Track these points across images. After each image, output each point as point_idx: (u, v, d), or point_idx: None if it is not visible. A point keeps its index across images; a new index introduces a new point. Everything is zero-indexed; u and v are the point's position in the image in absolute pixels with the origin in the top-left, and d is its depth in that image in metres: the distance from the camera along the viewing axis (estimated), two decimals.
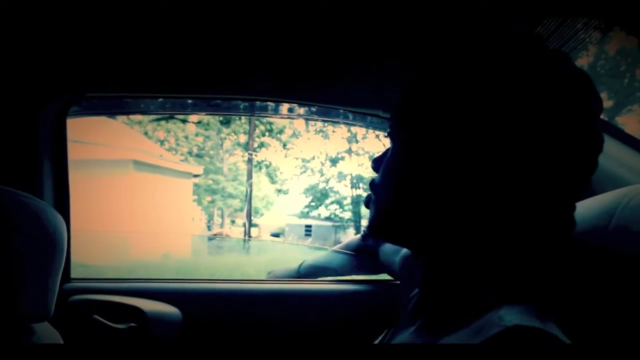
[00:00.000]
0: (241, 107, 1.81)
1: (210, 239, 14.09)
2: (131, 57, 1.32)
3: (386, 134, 0.81)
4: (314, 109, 1.78)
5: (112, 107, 1.79)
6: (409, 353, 0.63)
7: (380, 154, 0.78)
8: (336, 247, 1.73)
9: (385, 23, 1.10)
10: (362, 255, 1.61)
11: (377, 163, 0.77)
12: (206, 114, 1.98)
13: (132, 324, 1.49)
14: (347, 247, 1.66)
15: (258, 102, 1.73)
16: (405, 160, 0.69)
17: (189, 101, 1.73)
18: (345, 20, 1.09)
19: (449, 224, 0.65)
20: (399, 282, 1.65)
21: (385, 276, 1.66)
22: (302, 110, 1.78)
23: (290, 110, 1.79)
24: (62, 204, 1.59)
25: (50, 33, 1.18)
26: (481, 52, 0.64)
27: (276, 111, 1.83)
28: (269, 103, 1.73)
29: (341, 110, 1.68)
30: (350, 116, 1.71)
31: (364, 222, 19.24)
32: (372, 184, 0.77)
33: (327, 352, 0.62)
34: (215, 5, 1.05)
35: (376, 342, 0.87)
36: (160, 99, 1.71)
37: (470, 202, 0.63)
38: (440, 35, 1.11)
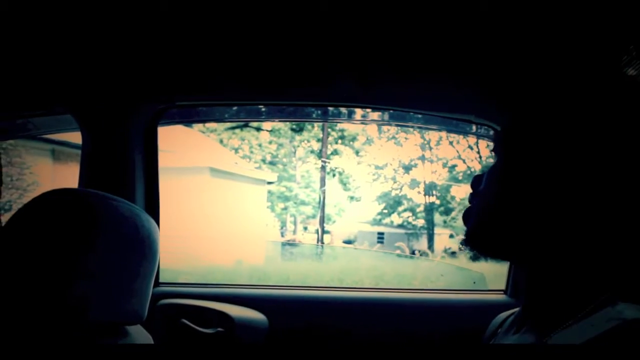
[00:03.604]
0: (314, 114, 1.82)
1: (283, 245, 14.23)
2: (218, 66, 1.35)
3: (492, 150, 0.84)
4: (387, 115, 1.76)
5: (191, 115, 1.84)
6: (523, 351, 0.62)
7: (480, 173, 0.82)
8: None
9: (479, 28, 1.07)
10: None
11: (477, 179, 0.81)
12: (279, 121, 2.01)
13: (220, 329, 1.51)
14: None
15: (331, 109, 1.73)
16: (515, 173, 0.71)
17: (263, 108, 1.75)
18: (438, 24, 1.07)
19: (554, 231, 0.66)
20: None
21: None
22: (376, 116, 1.77)
23: (364, 116, 1.78)
24: (153, 209, 1.64)
25: (144, 42, 1.22)
26: (593, 88, 0.68)
27: (349, 117, 1.82)
28: (341, 109, 1.73)
29: (419, 115, 1.65)
30: (437, 121, 1.69)
31: (438, 230, 18.93)
32: (474, 197, 0.80)
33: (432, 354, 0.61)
34: (294, 11, 1.05)
35: None
36: (235, 107, 1.74)
37: (575, 208, 0.64)
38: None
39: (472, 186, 0.81)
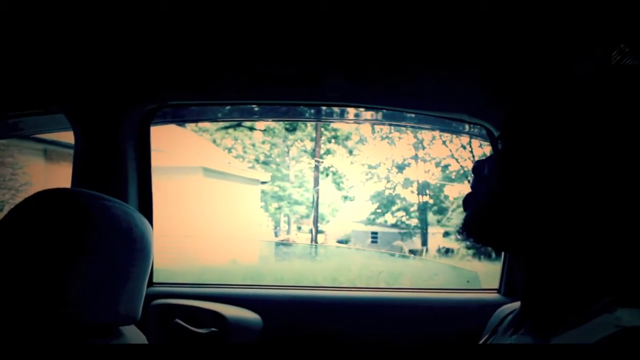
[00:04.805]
0: (307, 114, 1.82)
1: (277, 245, 14.23)
2: (210, 65, 1.35)
3: (497, 137, 0.83)
4: (380, 114, 1.76)
5: (184, 115, 1.84)
6: (521, 353, 0.62)
7: (483, 157, 0.80)
8: None
9: (469, 25, 1.07)
10: None
11: (480, 165, 0.79)
12: (273, 120, 2.02)
13: (213, 329, 1.51)
14: None
15: (324, 108, 1.73)
16: (518, 163, 0.70)
17: (256, 108, 1.75)
18: (432, 22, 1.07)
19: (555, 226, 0.65)
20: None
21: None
22: (369, 115, 1.77)
23: (357, 115, 1.79)
24: (146, 209, 1.64)
25: (137, 42, 1.22)
26: (591, 80, 0.67)
27: (342, 116, 1.82)
28: (334, 109, 1.73)
29: (412, 115, 1.66)
30: (431, 120, 1.70)
31: (432, 229, 18.97)
32: (477, 183, 0.79)
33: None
34: (286, 10, 1.05)
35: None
36: (228, 107, 1.74)
37: (578, 204, 0.64)
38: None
39: (474, 171, 0.80)
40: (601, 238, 0.63)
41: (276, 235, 19.27)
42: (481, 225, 0.74)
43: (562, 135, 0.65)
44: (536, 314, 0.71)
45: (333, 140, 19.89)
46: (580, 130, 0.64)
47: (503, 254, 1.69)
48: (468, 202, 0.78)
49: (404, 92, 1.50)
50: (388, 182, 20.47)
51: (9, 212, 0.88)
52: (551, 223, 0.66)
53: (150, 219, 1.63)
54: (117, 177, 1.53)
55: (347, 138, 19.87)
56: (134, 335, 1.06)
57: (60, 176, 7.79)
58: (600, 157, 0.62)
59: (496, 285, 1.79)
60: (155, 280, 1.74)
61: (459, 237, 0.75)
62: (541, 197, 0.66)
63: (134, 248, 0.96)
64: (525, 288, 0.74)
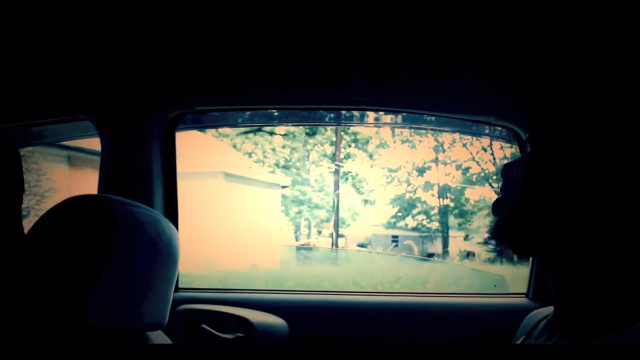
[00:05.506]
0: (327, 118, 1.82)
1: (298, 249, 14.25)
2: (235, 70, 1.36)
3: (525, 140, 0.81)
4: (400, 117, 1.76)
5: (205, 120, 1.85)
6: (560, 353, 0.61)
7: (512, 159, 0.79)
8: None
9: (495, 25, 1.06)
10: None
11: (508, 168, 0.77)
12: (293, 125, 2.02)
13: (240, 334, 1.52)
14: None
15: (344, 112, 1.73)
16: (550, 165, 0.69)
17: (276, 113, 1.75)
18: (456, 22, 1.06)
19: (588, 230, 0.64)
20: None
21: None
22: (389, 118, 1.76)
23: (377, 119, 1.78)
24: (172, 215, 1.64)
25: (162, 50, 1.23)
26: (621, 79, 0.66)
27: (363, 120, 1.82)
28: (354, 112, 1.72)
29: (432, 117, 1.64)
30: (451, 123, 1.68)
31: (453, 233, 18.83)
32: (507, 186, 0.77)
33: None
34: (308, 13, 1.05)
35: None
36: (249, 112, 1.74)
37: (613, 207, 0.62)
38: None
39: (503, 174, 0.78)
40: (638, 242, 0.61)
41: (297, 240, 19.28)
42: (512, 229, 0.72)
43: (594, 137, 0.64)
44: (570, 320, 0.69)
45: (353, 144, 19.88)
46: (614, 131, 0.62)
47: (531, 257, 1.67)
48: (498, 206, 0.76)
49: (430, 95, 1.49)
50: (408, 185, 20.40)
51: (39, 219, 0.89)
52: (584, 227, 0.64)
53: (175, 224, 1.64)
54: (144, 183, 1.54)
55: (367, 142, 19.86)
56: (160, 340, 1.06)
57: (84, 182, 7.90)
58: (635, 157, 0.61)
59: (522, 289, 1.76)
60: (180, 285, 1.75)
61: (489, 242, 0.74)
62: (573, 200, 0.64)
63: (161, 254, 0.97)
64: (557, 293, 0.72)
